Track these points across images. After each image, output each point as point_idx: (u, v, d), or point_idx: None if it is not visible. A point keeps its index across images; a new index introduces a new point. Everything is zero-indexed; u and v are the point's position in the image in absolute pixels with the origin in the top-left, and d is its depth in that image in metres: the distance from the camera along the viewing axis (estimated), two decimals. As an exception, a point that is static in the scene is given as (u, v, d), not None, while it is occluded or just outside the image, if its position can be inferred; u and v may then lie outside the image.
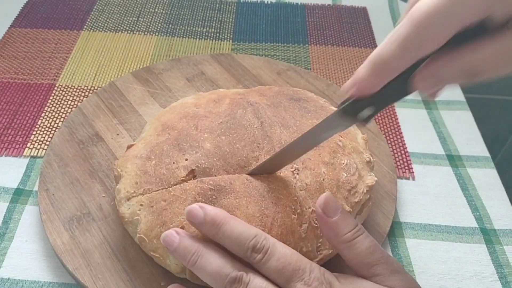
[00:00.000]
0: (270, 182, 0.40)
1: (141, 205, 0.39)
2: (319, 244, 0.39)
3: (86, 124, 0.53)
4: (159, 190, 0.40)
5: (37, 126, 0.55)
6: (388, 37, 0.28)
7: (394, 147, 0.56)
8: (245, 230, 0.34)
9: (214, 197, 0.39)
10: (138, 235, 0.39)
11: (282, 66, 0.62)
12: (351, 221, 0.35)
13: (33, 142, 0.53)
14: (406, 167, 0.54)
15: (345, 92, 0.31)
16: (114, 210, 0.45)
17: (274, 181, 0.40)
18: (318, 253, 0.39)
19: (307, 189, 0.40)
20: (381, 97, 0.31)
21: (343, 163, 0.42)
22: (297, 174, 0.41)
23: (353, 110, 0.32)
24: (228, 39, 0.69)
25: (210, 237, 0.35)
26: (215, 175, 0.40)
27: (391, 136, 0.57)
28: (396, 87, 0.30)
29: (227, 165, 0.41)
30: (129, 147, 0.44)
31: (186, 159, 0.41)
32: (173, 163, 0.41)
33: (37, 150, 0.52)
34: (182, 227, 0.38)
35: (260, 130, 0.43)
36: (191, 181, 0.40)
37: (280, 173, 0.41)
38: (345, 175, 0.42)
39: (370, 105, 0.31)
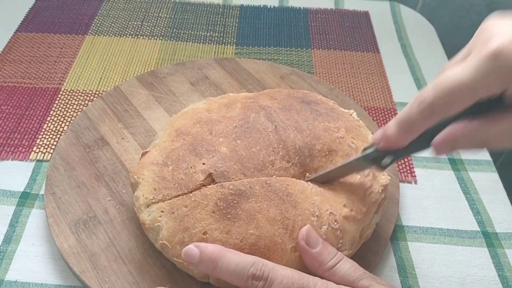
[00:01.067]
0: (289, 187, 0.40)
1: (162, 211, 0.40)
2: (339, 245, 0.40)
3: (92, 128, 0.53)
4: (179, 195, 0.40)
5: (43, 130, 0.55)
6: (415, 99, 0.32)
7: (396, 151, 0.56)
8: (241, 260, 0.35)
9: (235, 201, 0.39)
10: (160, 241, 0.39)
11: (285, 70, 0.63)
12: (331, 249, 0.37)
13: (39, 146, 0.54)
14: (409, 171, 0.54)
15: (374, 143, 0.37)
16: (119, 214, 0.46)
17: (292, 186, 0.40)
18: None
19: (322, 194, 0.41)
20: (403, 150, 0.36)
21: None
22: (310, 182, 0.42)
23: (376, 158, 0.38)
24: (232, 43, 0.69)
25: (209, 274, 0.37)
26: (233, 178, 0.40)
27: (393, 140, 0.57)
28: (417, 144, 0.35)
29: (245, 168, 0.41)
30: (143, 154, 0.44)
31: (204, 163, 0.41)
32: (191, 167, 0.41)
33: (43, 154, 0.53)
34: (205, 233, 0.38)
35: (274, 134, 0.44)
36: (210, 186, 0.40)
37: (296, 179, 0.41)
38: (359, 177, 0.42)
39: (391, 155, 0.37)
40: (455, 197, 0.52)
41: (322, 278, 0.36)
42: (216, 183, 0.40)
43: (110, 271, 0.42)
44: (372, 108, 0.61)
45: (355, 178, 0.42)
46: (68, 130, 0.53)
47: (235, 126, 0.44)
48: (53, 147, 0.54)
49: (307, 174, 0.42)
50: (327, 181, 0.42)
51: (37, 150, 0.53)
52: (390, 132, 0.35)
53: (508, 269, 0.46)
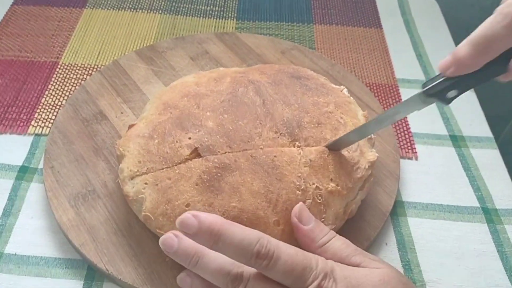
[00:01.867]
0: (275, 158, 0.40)
1: (146, 183, 0.40)
2: (322, 219, 0.39)
3: (90, 102, 0.53)
4: (163, 168, 0.40)
5: (41, 104, 0.55)
6: (496, 14, 0.30)
7: (397, 127, 0.56)
8: (246, 235, 0.32)
9: (219, 174, 0.39)
10: (143, 213, 0.39)
11: (287, 45, 0.62)
12: (323, 227, 0.37)
13: (37, 120, 0.53)
14: (409, 147, 0.54)
15: (441, 71, 0.33)
16: (118, 188, 0.45)
17: (279, 157, 0.40)
18: None
19: (311, 165, 0.40)
20: (472, 78, 0.32)
21: None
22: (301, 150, 0.41)
23: (441, 91, 0.33)
24: (232, 18, 0.68)
25: (207, 247, 0.33)
26: (219, 152, 0.40)
27: (394, 116, 0.57)
28: (489, 68, 0.32)
29: (231, 141, 0.41)
30: (130, 126, 0.44)
31: (189, 138, 0.41)
32: (176, 142, 0.41)
33: (41, 128, 0.53)
34: (188, 205, 0.38)
35: (262, 108, 0.43)
36: (195, 159, 0.40)
37: (285, 148, 0.41)
38: (347, 152, 0.42)
39: (456, 87, 0.33)
40: (455, 173, 0.51)
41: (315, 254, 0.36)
42: (201, 157, 0.40)
43: (109, 244, 0.42)
44: (374, 85, 0.60)
45: (343, 152, 0.42)
46: (67, 104, 0.52)
47: (223, 100, 0.44)
48: (51, 121, 0.53)
49: (297, 142, 0.41)
50: (379, 127, 0.39)
51: (36, 124, 0.53)
52: (462, 53, 0.31)
53: (507, 245, 0.46)
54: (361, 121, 0.45)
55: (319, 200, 0.39)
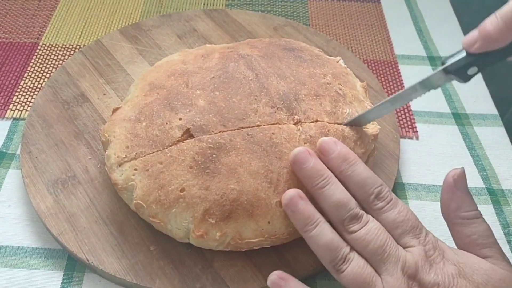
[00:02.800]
0: (273, 136, 0.37)
1: (135, 169, 0.37)
2: None
3: (71, 84, 0.50)
4: (153, 152, 0.37)
5: (20, 86, 0.52)
6: None
7: (397, 106, 0.53)
8: (372, 176, 0.35)
9: (214, 155, 0.36)
10: (134, 201, 0.37)
11: (279, 21, 0.59)
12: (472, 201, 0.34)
13: (16, 104, 0.50)
14: (410, 126, 0.51)
15: (466, 46, 0.32)
16: (101, 173, 0.43)
17: (277, 135, 0.37)
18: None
19: (312, 141, 0.37)
20: (495, 55, 0.32)
21: (345, 112, 0.40)
22: (301, 126, 0.38)
23: (462, 67, 0.33)
24: (222, -6, 0.65)
25: (336, 171, 0.35)
26: (213, 132, 0.37)
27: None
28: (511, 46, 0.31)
29: (224, 119, 0.38)
30: (114, 110, 0.41)
31: (180, 118, 0.38)
32: (166, 123, 0.38)
33: (20, 112, 0.50)
34: (182, 189, 0.36)
35: (256, 82, 0.40)
36: (188, 140, 0.37)
37: (282, 125, 0.38)
38: (348, 127, 0.39)
39: (477, 64, 0.33)
40: (459, 153, 0.49)
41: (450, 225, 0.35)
42: (194, 138, 0.37)
43: (90, 233, 0.39)
44: (372, 61, 0.57)
45: (346, 127, 0.39)
46: (46, 86, 0.49)
47: (213, 77, 0.41)
48: (30, 104, 0.50)
49: (295, 116, 0.39)
50: (400, 104, 0.38)
51: (14, 108, 0.50)
52: (491, 28, 0.31)
53: (514, 227, 0.43)
54: (360, 92, 0.43)
55: None
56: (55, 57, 0.55)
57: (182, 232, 0.36)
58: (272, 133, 0.37)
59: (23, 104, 0.50)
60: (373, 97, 0.50)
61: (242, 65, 0.42)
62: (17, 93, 0.51)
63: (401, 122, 0.51)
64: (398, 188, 0.46)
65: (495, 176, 0.47)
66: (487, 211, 0.44)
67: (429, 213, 0.44)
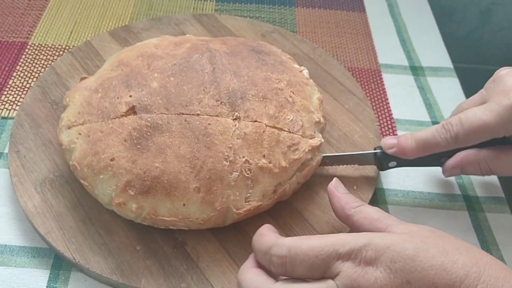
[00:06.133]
0: (209, 126, 0.40)
1: (80, 134, 0.40)
2: (249, 194, 0.39)
3: (60, 84, 0.50)
4: (98, 122, 0.40)
5: (8, 86, 0.52)
6: (441, 127, 0.40)
7: (379, 113, 0.54)
8: (261, 245, 0.33)
9: (149, 133, 0.39)
10: (71, 162, 0.40)
11: (267, 28, 0.60)
12: (356, 198, 0.37)
13: (4, 103, 0.51)
14: (391, 133, 0.52)
15: (384, 147, 0.43)
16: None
17: (213, 126, 0.40)
18: (246, 203, 0.39)
19: (245, 138, 0.39)
20: (410, 161, 0.43)
21: (288, 119, 0.41)
22: (238, 122, 0.40)
23: (383, 159, 0.44)
24: (211, -1, 0.66)
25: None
26: (155, 112, 0.40)
27: (376, 102, 0.56)
28: (425, 159, 0.42)
29: (169, 103, 0.41)
30: (82, 79, 0.45)
31: (130, 96, 0.41)
32: (117, 98, 0.41)
33: (8, 111, 0.50)
34: (113, 159, 0.38)
35: (210, 76, 0.43)
36: (130, 116, 0.40)
37: (221, 118, 0.40)
38: (288, 130, 0.41)
39: (395, 160, 0.43)
40: (437, 160, 0.50)
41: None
42: (136, 115, 0.40)
43: (77, 232, 0.40)
44: (356, 69, 0.59)
45: (284, 130, 0.41)
46: (35, 86, 0.50)
47: (174, 64, 0.44)
48: (19, 103, 0.51)
49: (236, 113, 0.41)
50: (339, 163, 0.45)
51: (2, 107, 0.50)
52: (407, 145, 0.41)
53: (488, 233, 0.45)
54: (313, 104, 0.44)
55: (247, 174, 0.39)
56: (44, 57, 0.56)
57: (106, 198, 0.39)
58: (209, 124, 0.40)
59: (11, 103, 0.51)
60: (356, 105, 0.52)
61: (205, 58, 0.45)
62: (5, 92, 0.52)
63: (383, 129, 0.53)
64: (379, 193, 0.47)
65: (471, 184, 0.49)
66: (463, 217, 0.46)
67: (407, 218, 0.45)
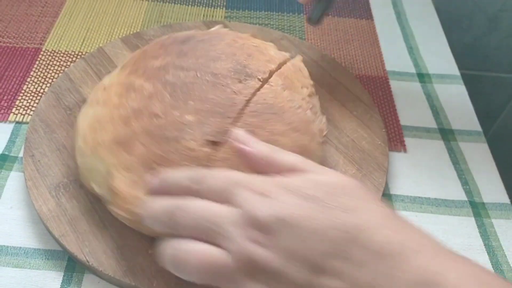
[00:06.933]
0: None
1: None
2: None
3: (73, 90, 0.52)
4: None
5: (23, 91, 0.53)
6: None
7: (386, 120, 0.55)
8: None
9: None
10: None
11: (276, 35, 0.61)
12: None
13: (19, 108, 0.52)
14: (398, 140, 0.53)
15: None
16: (101, 178, 0.44)
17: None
18: None
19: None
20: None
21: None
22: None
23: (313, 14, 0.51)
24: (221, 6, 0.67)
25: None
26: None
27: (384, 109, 0.56)
28: None
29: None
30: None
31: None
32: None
33: (22, 116, 0.51)
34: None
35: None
36: None
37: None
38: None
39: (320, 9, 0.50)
40: (444, 166, 0.51)
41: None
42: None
43: (91, 236, 0.41)
44: (364, 76, 0.60)
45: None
46: (49, 91, 0.51)
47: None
48: (33, 108, 0.52)
49: None
50: None
51: (16, 112, 0.51)
52: None
53: (494, 239, 0.45)
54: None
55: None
56: (58, 63, 0.57)
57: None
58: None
59: (26, 108, 0.52)
60: (364, 111, 0.52)
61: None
62: (19, 97, 0.53)
63: (390, 136, 0.54)
64: (386, 199, 0.48)
65: (478, 190, 0.49)
66: (469, 223, 0.46)
67: (414, 222, 0.46)
